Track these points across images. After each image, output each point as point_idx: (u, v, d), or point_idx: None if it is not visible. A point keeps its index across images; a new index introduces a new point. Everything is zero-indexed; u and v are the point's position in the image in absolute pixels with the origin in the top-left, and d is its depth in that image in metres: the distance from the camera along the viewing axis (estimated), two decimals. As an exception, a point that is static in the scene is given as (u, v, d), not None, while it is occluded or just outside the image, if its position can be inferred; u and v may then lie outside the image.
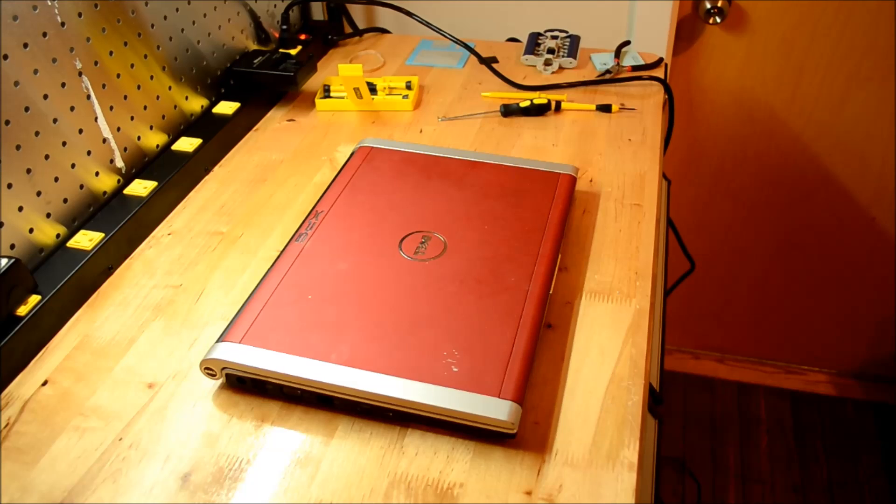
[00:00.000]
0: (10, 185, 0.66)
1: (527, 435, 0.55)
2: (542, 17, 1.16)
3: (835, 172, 1.35)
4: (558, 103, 0.96)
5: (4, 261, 0.63)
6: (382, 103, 0.97)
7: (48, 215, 0.71)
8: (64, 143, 0.72)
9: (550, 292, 0.66)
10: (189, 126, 0.91)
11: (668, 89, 1.00)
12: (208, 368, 0.58)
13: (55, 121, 0.70)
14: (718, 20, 1.18)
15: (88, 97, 0.74)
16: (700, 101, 1.31)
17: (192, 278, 0.71)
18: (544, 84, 1.00)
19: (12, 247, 0.67)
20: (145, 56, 0.82)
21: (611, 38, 1.12)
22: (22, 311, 0.64)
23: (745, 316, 1.62)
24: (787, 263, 1.51)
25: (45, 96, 0.69)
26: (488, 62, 1.04)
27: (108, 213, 0.76)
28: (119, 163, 0.79)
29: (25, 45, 0.66)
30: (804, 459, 1.56)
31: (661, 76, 1.02)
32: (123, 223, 0.74)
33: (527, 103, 0.94)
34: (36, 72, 0.67)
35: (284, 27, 1.06)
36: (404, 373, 0.55)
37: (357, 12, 1.20)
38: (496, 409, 0.53)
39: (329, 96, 0.98)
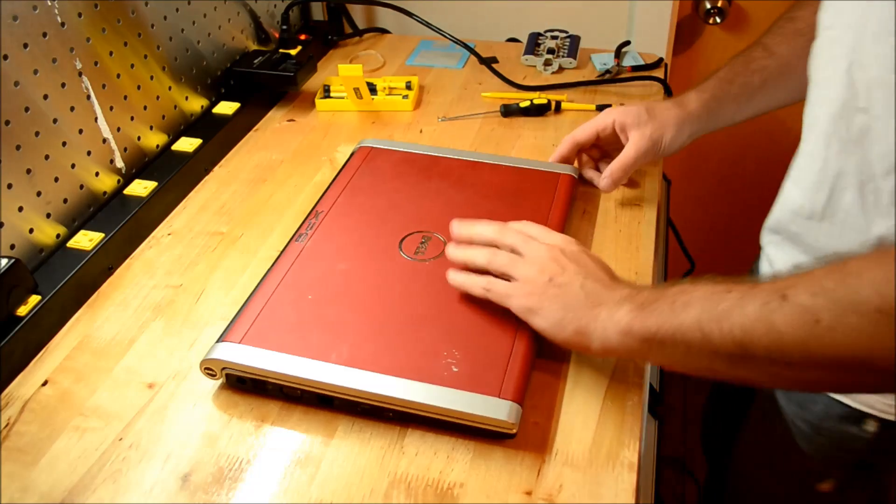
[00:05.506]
0: (10, 185, 0.66)
1: (527, 435, 0.55)
2: (542, 17, 1.16)
3: (835, 172, 1.35)
4: (558, 103, 0.96)
5: (4, 261, 0.63)
6: (382, 103, 0.97)
7: (48, 215, 0.71)
8: (64, 144, 0.72)
9: (550, 292, 0.66)
10: (189, 126, 0.91)
11: (668, 89, 1.00)
12: (208, 368, 0.58)
13: (55, 121, 0.70)
14: (718, 20, 1.18)
15: (88, 97, 0.74)
16: (700, 101, 1.30)
17: (192, 278, 0.71)
18: (544, 84, 1.00)
19: (12, 247, 0.67)
20: (145, 56, 0.82)
21: (611, 38, 1.11)
22: (22, 311, 0.64)
23: (745, 316, 1.62)
24: (787, 263, 1.50)
25: (45, 96, 0.69)
26: (488, 62, 1.04)
27: (108, 213, 0.76)
28: (119, 163, 0.79)
29: (25, 46, 0.66)
30: (804, 459, 1.56)
31: (661, 76, 1.02)
32: (123, 223, 0.74)
33: (527, 103, 0.94)
34: (36, 72, 0.67)
35: (284, 27, 1.06)
36: (404, 373, 0.55)
37: (357, 12, 1.20)
38: (496, 409, 0.53)
39: (329, 96, 0.98)
